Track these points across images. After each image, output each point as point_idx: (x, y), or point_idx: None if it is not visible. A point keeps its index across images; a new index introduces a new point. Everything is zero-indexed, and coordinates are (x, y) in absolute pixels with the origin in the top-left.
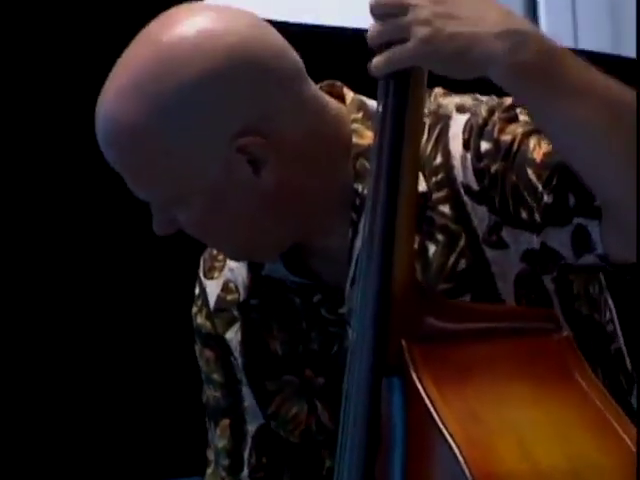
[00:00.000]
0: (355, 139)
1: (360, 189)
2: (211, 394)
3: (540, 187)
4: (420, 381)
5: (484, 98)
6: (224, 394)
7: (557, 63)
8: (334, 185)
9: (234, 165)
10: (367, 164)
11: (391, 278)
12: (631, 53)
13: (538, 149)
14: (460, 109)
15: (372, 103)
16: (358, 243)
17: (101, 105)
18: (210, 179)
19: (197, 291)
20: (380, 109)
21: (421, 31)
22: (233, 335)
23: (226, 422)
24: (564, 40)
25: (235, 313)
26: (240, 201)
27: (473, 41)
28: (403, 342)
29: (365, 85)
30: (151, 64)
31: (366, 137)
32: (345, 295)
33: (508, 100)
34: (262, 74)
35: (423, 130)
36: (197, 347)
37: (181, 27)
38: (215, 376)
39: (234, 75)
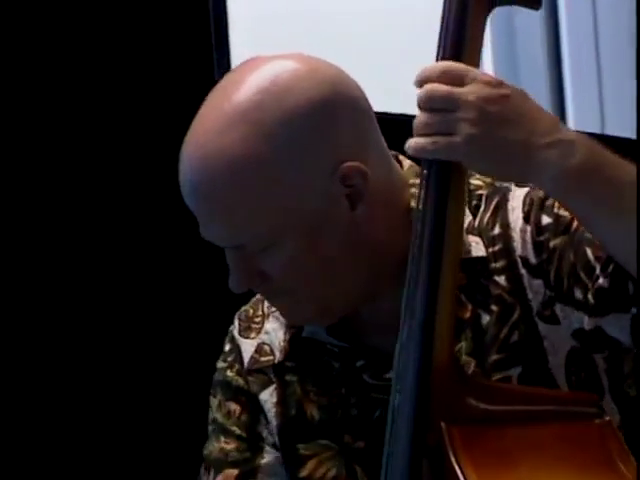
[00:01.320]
0: (413, 203)
1: None
2: (220, 446)
3: (598, 269)
4: (459, 466)
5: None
6: (240, 448)
7: (602, 165)
8: (395, 243)
9: (333, 196)
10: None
11: (431, 358)
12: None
13: (592, 246)
14: (519, 184)
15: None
16: None
17: (195, 142)
18: (309, 212)
19: (228, 347)
20: (422, 189)
21: (470, 130)
22: (268, 397)
23: (233, 472)
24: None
25: (270, 375)
26: (333, 239)
27: (524, 150)
28: (442, 424)
29: None
30: (253, 93)
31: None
32: (394, 360)
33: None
34: (358, 109)
35: (465, 201)
36: (216, 399)
37: (278, 61)
38: (234, 429)
39: (336, 105)
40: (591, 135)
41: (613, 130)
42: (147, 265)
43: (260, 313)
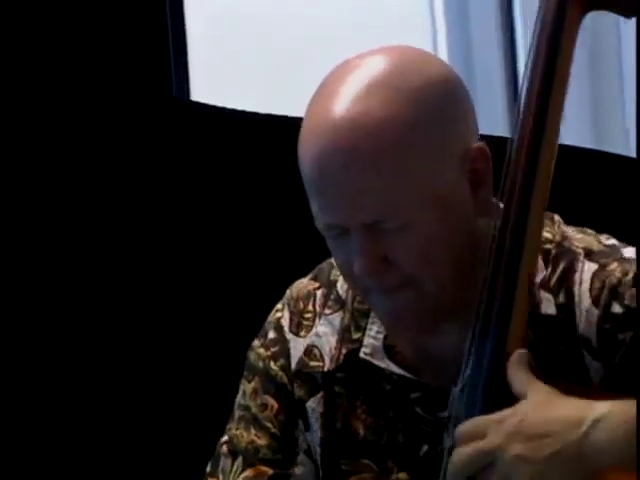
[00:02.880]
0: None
1: None
2: (250, 437)
3: None
4: None
5: (608, 242)
6: (274, 447)
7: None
8: (473, 265)
9: (461, 177)
10: None
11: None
12: (613, 149)
13: None
14: (589, 254)
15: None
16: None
17: (337, 113)
18: (443, 191)
19: (273, 335)
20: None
21: (519, 471)
22: (315, 405)
23: (267, 471)
24: None
25: (319, 381)
26: (458, 224)
27: (576, 456)
28: None
29: None
30: (392, 65)
31: None
32: (450, 399)
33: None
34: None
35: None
36: (250, 386)
37: (398, 46)
38: (269, 425)
39: (462, 85)
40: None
41: (569, 140)
42: (152, 259)
43: (311, 309)
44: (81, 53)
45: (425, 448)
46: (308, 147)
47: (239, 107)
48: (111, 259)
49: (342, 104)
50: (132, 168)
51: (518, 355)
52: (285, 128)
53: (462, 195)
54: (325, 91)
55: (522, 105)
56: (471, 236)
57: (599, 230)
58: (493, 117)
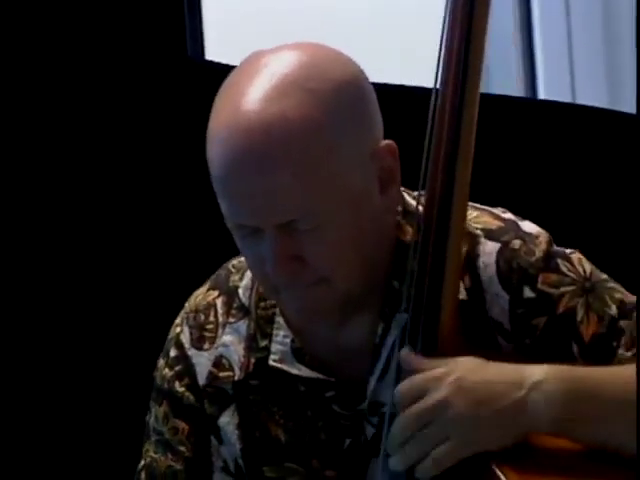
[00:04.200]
0: (398, 233)
1: (397, 286)
2: (165, 462)
3: (582, 361)
4: None
5: (505, 216)
6: (188, 468)
7: (581, 383)
8: (382, 261)
9: (371, 176)
10: (407, 264)
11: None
12: (628, 109)
13: (586, 324)
14: (488, 234)
15: (408, 199)
16: (389, 341)
17: (247, 113)
18: (355, 190)
19: (174, 353)
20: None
21: (459, 431)
22: (228, 419)
23: None
24: (563, 97)
25: (230, 392)
26: (368, 222)
27: (513, 413)
28: None
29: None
30: (299, 67)
31: (407, 234)
32: (368, 391)
33: (540, 241)
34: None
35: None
36: (160, 410)
37: (305, 44)
38: (182, 449)
39: (367, 83)
40: (562, 105)
41: (584, 99)
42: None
43: (213, 319)
44: (96, 14)
45: (348, 442)
46: (219, 148)
47: None
48: (125, 222)
49: (253, 105)
50: (148, 127)
51: (405, 354)
52: None
53: (373, 194)
54: (235, 90)
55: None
56: (379, 232)
57: (619, 190)
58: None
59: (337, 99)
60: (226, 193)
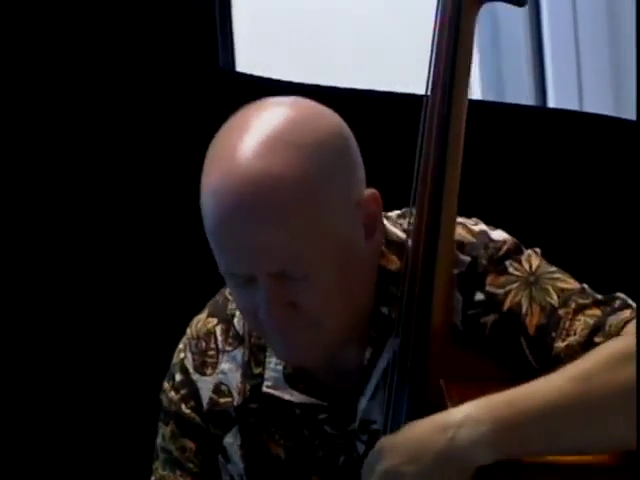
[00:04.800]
0: (383, 262)
1: (386, 312)
2: (174, 479)
3: (531, 358)
4: None
5: (476, 228)
6: None
7: (509, 406)
8: (366, 296)
9: (357, 223)
10: (394, 290)
11: (430, 320)
12: (631, 116)
13: (530, 315)
14: (461, 248)
15: (390, 228)
16: (381, 363)
17: (236, 169)
18: (342, 239)
19: (179, 378)
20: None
21: None
22: (232, 440)
23: None
24: (570, 104)
25: (232, 415)
26: (355, 269)
27: (444, 460)
28: (441, 382)
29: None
30: (284, 122)
31: (392, 262)
32: (359, 410)
33: (500, 247)
34: (358, 156)
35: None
36: (167, 430)
37: (289, 100)
38: (190, 466)
39: (351, 137)
40: (570, 113)
41: (591, 107)
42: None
43: (213, 346)
44: (133, 28)
45: (342, 458)
46: (211, 202)
47: (284, 78)
48: (151, 230)
49: (242, 162)
50: (181, 134)
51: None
52: (331, 98)
53: (359, 241)
54: (225, 145)
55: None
56: (365, 274)
57: (620, 197)
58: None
59: (322, 152)
60: (218, 244)
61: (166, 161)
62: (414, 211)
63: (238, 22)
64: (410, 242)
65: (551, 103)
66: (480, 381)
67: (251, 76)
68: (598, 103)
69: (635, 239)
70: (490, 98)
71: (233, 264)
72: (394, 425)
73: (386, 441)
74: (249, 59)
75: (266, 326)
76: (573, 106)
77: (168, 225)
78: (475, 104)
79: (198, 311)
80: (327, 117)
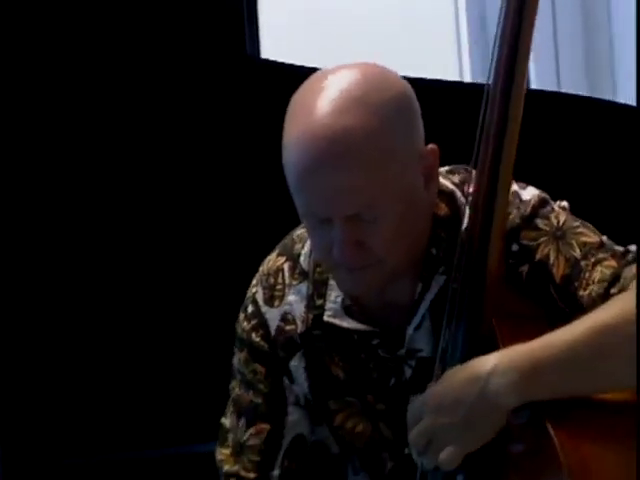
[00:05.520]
0: (434, 209)
1: (435, 252)
2: (248, 397)
3: (560, 304)
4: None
5: (511, 189)
6: (267, 403)
7: (532, 357)
8: (422, 238)
9: (418, 173)
10: (443, 234)
11: (486, 263)
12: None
13: (557, 266)
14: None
15: (441, 180)
16: (427, 297)
17: (320, 124)
18: (408, 186)
19: (251, 309)
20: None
21: (451, 438)
22: (297, 363)
23: (265, 426)
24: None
25: (297, 341)
26: (416, 213)
27: (481, 405)
28: (494, 320)
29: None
30: (361, 84)
31: (441, 209)
32: (406, 339)
33: (528, 205)
34: (419, 114)
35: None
36: (242, 355)
37: (358, 64)
38: (261, 386)
39: (415, 100)
40: (548, 93)
41: (568, 88)
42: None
43: (281, 281)
44: (167, 19)
45: (393, 380)
46: (296, 154)
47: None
48: (184, 204)
49: (323, 119)
50: (212, 118)
51: None
52: None
53: (419, 189)
54: (305, 105)
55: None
56: (423, 219)
57: (592, 173)
58: None
59: (391, 110)
60: (302, 190)
61: (197, 144)
62: (474, 171)
63: (262, 13)
64: (470, 198)
65: (533, 85)
66: (523, 319)
67: (274, 62)
68: (574, 84)
69: (635, 235)
70: (479, 81)
71: (313, 207)
72: (452, 358)
73: (431, 392)
74: (273, 47)
75: (337, 261)
76: (552, 87)
77: (213, 200)
78: (465, 87)
79: (266, 255)
80: (392, 78)
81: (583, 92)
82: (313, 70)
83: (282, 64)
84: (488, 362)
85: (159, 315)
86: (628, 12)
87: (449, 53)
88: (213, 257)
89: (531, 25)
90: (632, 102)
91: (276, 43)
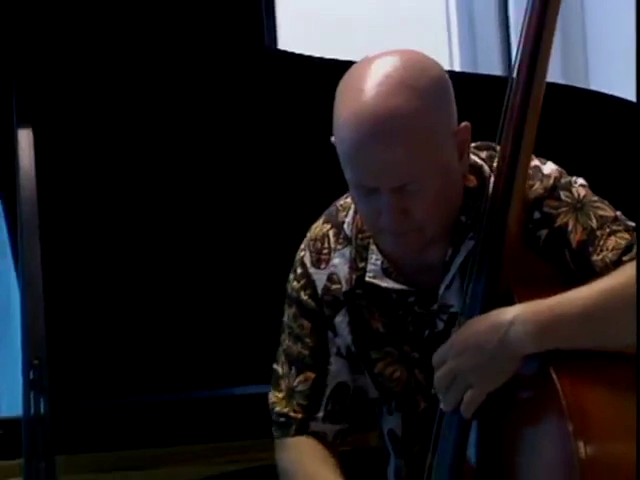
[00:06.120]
0: (465, 181)
1: (464, 220)
2: (297, 349)
3: (573, 267)
4: (519, 300)
5: (532, 164)
6: (313, 354)
7: (550, 309)
8: (455, 207)
9: (452, 149)
10: (471, 203)
11: (506, 224)
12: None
13: (574, 233)
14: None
15: (470, 155)
16: (457, 260)
17: (370, 105)
18: (445, 160)
19: (300, 271)
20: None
21: (472, 381)
22: (341, 318)
23: (311, 375)
24: None
25: (342, 299)
26: (452, 184)
27: (500, 349)
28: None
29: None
30: (406, 68)
31: (471, 181)
32: (439, 296)
33: (550, 178)
34: (453, 94)
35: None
36: (291, 311)
37: (400, 52)
38: (308, 340)
39: (450, 82)
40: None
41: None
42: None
43: (327, 246)
44: (188, 13)
45: (427, 332)
46: (348, 134)
47: (327, 55)
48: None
49: (372, 102)
50: (233, 107)
51: None
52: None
53: (454, 162)
54: (355, 88)
55: (519, 51)
56: (456, 189)
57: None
58: None
59: (431, 93)
60: (353, 164)
61: (218, 133)
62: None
63: (279, 6)
64: (496, 170)
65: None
66: (539, 280)
67: (291, 53)
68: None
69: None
70: (467, 69)
71: (362, 179)
72: (471, 311)
73: (456, 338)
74: (290, 39)
75: (382, 227)
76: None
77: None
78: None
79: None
80: (431, 62)
81: (557, 79)
82: (333, 61)
83: (300, 55)
84: (510, 312)
85: (220, 272)
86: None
87: (441, 46)
88: (262, 230)
89: (553, 24)
90: (605, 89)
91: (292, 35)
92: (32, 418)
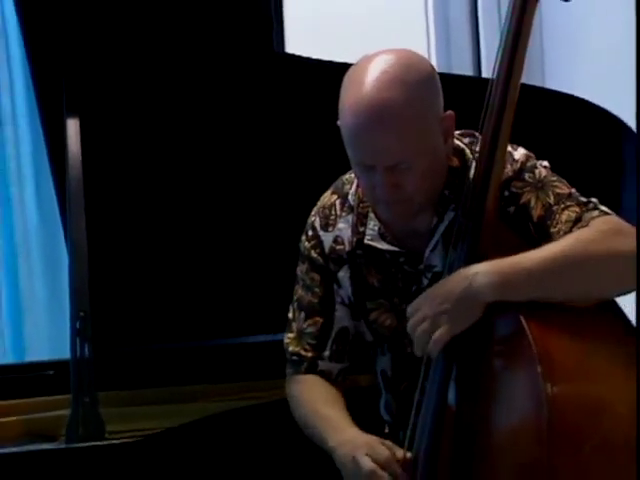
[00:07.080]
0: (449, 162)
1: (447, 194)
2: (307, 297)
3: (536, 237)
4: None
5: (520, 154)
6: (321, 302)
7: (508, 262)
8: (440, 182)
9: (439, 134)
10: (454, 180)
11: (484, 204)
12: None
13: (535, 209)
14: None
15: (455, 140)
16: (441, 228)
17: (368, 96)
18: (433, 143)
19: (310, 233)
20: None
21: (440, 321)
22: (344, 273)
23: (319, 319)
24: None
25: (345, 257)
26: (439, 163)
27: (466, 295)
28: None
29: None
30: (401, 65)
31: (454, 162)
32: (424, 257)
33: (518, 162)
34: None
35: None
36: (303, 267)
37: (394, 51)
38: (317, 290)
39: (437, 75)
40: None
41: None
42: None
43: (334, 213)
44: (199, 16)
45: (414, 288)
46: (350, 120)
47: (335, 59)
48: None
49: (372, 92)
50: (242, 106)
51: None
52: None
53: (441, 145)
54: (357, 81)
55: (500, 51)
56: (441, 167)
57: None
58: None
59: (424, 86)
60: (354, 145)
61: (229, 133)
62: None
63: (287, 10)
64: (477, 155)
65: (484, 73)
66: (509, 246)
67: (298, 56)
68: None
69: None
70: (442, 70)
71: (362, 158)
72: (451, 271)
73: (429, 290)
74: (297, 42)
75: (379, 198)
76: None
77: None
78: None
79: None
80: (421, 59)
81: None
82: (340, 64)
83: (308, 59)
84: (476, 267)
85: (243, 241)
86: None
87: (421, 49)
88: (279, 202)
89: (528, 28)
90: (563, 88)
91: (299, 38)
92: (78, 360)
